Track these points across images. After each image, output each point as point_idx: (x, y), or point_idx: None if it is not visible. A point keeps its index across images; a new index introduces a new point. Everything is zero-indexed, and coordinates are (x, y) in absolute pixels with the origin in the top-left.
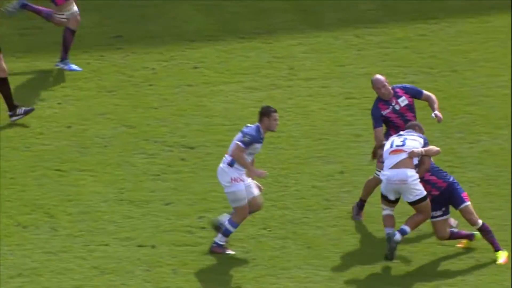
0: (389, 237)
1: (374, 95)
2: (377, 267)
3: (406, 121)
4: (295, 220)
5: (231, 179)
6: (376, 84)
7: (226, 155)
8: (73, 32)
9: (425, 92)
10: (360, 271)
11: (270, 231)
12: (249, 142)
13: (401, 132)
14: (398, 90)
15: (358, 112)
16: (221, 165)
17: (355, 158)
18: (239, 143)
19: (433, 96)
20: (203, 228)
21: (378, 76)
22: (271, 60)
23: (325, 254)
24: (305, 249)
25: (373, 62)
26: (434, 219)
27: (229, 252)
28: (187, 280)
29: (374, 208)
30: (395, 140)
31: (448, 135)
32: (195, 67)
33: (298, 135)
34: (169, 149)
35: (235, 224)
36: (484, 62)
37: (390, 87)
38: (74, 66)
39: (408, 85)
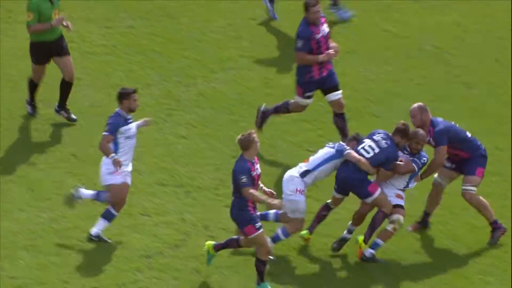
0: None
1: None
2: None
3: None
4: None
5: (296, 190)
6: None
7: (302, 164)
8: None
9: (437, 149)
10: (82, 211)
11: None
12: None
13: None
14: (431, 129)
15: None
16: (293, 173)
17: None
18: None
19: (436, 162)
20: None
21: (414, 105)
22: None
23: (47, 195)
24: (28, 192)
25: (90, 6)
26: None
27: (272, 258)
28: None
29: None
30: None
31: (166, 78)
32: None
33: None
34: None
35: (287, 234)
36: (197, 7)
37: (425, 118)
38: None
39: (440, 130)
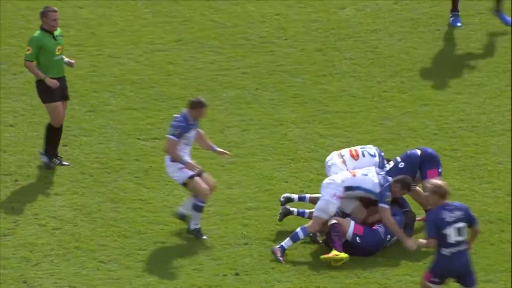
0: None
1: None
2: None
3: None
4: None
5: (334, 194)
6: None
7: (347, 176)
8: None
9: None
10: None
11: None
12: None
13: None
14: None
15: None
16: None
17: None
18: None
19: None
20: None
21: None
22: None
23: None
24: None
25: None
26: None
27: (281, 260)
28: None
29: None
30: None
31: None
32: None
33: None
34: None
35: (306, 233)
36: None
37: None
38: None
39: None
